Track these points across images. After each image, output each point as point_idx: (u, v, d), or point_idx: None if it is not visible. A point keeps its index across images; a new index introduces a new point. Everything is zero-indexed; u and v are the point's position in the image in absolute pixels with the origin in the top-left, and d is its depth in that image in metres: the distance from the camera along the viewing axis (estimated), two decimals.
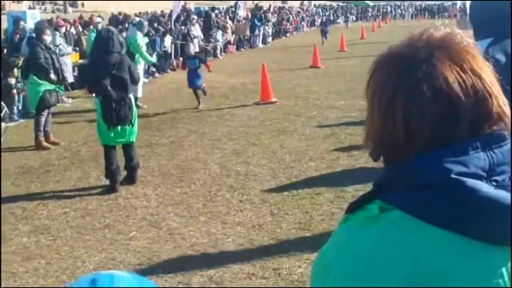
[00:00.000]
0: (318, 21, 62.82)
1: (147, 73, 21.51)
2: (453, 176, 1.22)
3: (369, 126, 1.39)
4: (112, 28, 10.57)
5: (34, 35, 12.82)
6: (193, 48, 23.30)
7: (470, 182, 1.22)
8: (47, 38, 11.95)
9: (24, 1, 38.67)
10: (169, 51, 23.91)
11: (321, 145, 10.79)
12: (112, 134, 8.81)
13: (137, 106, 15.23)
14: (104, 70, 8.71)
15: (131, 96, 9.21)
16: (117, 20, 21.56)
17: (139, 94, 15.69)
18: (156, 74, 22.36)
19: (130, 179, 9.05)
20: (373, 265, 1.23)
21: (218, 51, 29.69)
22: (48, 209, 8.12)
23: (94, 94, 9.52)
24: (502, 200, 1.22)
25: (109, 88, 8.63)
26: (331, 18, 68.87)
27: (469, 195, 1.21)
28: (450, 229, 1.21)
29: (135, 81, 9.31)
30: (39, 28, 12.19)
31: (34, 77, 11.43)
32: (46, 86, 11.50)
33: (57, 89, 11.84)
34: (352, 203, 1.35)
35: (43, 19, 20.33)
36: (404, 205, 1.25)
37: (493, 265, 1.23)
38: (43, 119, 11.60)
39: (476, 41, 3.49)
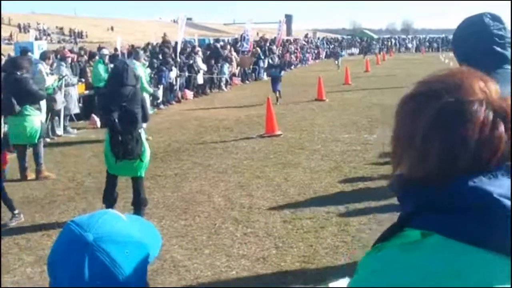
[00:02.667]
0: (323, 54, 63.25)
1: (152, 104, 21.62)
2: (495, 197, 1.27)
3: (397, 159, 1.46)
4: (129, 61, 10.53)
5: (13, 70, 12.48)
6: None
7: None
8: (43, 70, 11.95)
9: (31, 32, 38.96)
10: (174, 83, 24.03)
11: (325, 178, 10.81)
12: (119, 167, 8.66)
13: None
14: (116, 102, 8.54)
15: (141, 130, 8.90)
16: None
17: (144, 125, 15.78)
18: (161, 106, 22.47)
19: (135, 213, 8.96)
20: None
21: (223, 84, 29.82)
22: (52, 239, 8.09)
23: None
24: None
25: (116, 121, 8.47)
26: (335, 50, 69.29)
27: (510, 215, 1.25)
28: (494, 250, 1.24)
29: (146, 117, 9.10)
30: (17, 64, 11.80)
31: (31, 108, 11.33)
32: (40, 116, 11.57)
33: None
34: (384, 233, 1.39)
35: (46, 50, 20.45)
36: (445, 228, 1.28)
37: None
38: (41, 147, 11.67)
39: None
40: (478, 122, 1.32)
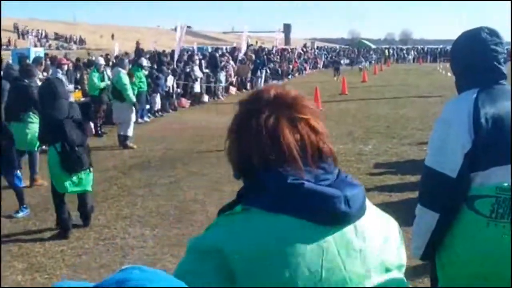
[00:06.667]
0: (321, 64, 63.37)
1: (150, 112, 21.64)
2: (289, 181, 1.74)
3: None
4: (58, 77, 10.58)
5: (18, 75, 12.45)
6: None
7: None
8: (36, 78, 12.10)
9: (30, 38, 39.02)
10: (171, 91, 24.05)
11: None
12: (69, 183, 8.56)
13: (126, 146, 15.40)
14: (61, 115, 8.53)
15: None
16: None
17: (130, 134, 15.82)
18: (158, 114, 22.49)
19: (84, 222, 8.93)
20: None
21: (220, 92, 29.84)
22: (45, 247, 8.12)
23: (47, 144, 9.08)
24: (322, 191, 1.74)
25: (70, 133, 8.45)
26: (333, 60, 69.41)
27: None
28: (290, 215, 1.73)
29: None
30: (27, 70, 11.97)
31: (34, 116, 11.36)
32: None
33: None
34: (225, 206, 1.91)
35: (38, 56, 20.45)
36: (254, 204, 1.78)
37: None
38: (38, 155, 11.71)
39: (460, 92, 3.50)
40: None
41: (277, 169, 1.77)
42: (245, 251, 1.71)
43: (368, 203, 1.90)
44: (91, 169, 8.83)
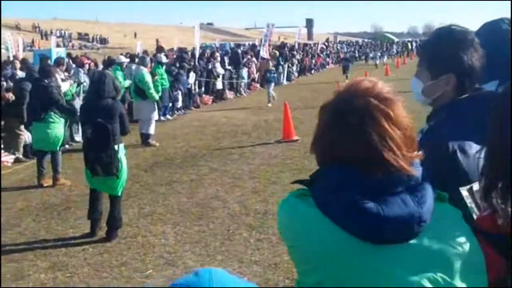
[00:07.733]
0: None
1: (172, 110, 21.66)
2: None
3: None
4: (107, 72, 10.48)
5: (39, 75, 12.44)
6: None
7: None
8: (59, 77, 12.13)
9: (52, 39, 39.11)
10: (192, 88, 24.06)
11: None
12: (95, 181, 8.46)
13: (149, 144, 15.42)
14: (89, 117, 8.32)
15: (121, 146, 8.49)
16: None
17: (151, 132, 15.87)
18: (180, 111, 22.51)
19: (107, 234, 8.43)
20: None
21: (242, 88, 29.84)
22: (67, 245, 8.16)
23: None
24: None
25: (89, 137, 8.25)
26: (356, 54, 69.07)
27: None
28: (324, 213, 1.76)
29: (125, 131, 8.65)
30: (48, 71, 11.94)
31: (56, 116, 11.47)
32: (64, 123, 11.68)
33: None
34: (302, 181, 1.90)
35: (60, 56, 20.53)
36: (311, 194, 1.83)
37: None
38: (60, 154, 11.79)
39: (480, 84, 3.44)
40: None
41: (336, 166, 1.81)
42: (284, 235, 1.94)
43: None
44: (119, 175, 8.35)
